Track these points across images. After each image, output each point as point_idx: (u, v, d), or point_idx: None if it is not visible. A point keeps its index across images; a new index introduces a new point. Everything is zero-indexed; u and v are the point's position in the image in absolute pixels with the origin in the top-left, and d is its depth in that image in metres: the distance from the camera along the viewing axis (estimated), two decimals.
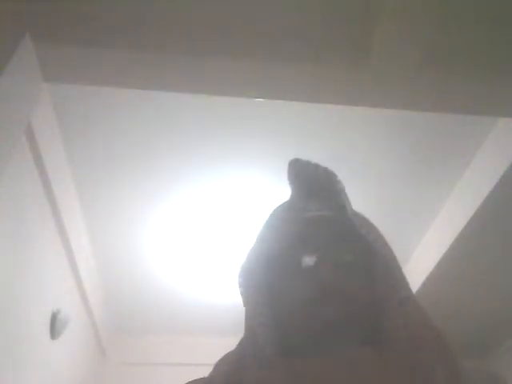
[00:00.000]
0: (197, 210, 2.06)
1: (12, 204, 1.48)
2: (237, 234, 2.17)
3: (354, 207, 0.77)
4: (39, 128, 1.50)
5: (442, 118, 1.63)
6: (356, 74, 1.30)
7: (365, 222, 0.75)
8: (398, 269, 0.71)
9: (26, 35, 1.18)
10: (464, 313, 2.26)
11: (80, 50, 1.24)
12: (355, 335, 0.66)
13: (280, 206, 0.80)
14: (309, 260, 0.70)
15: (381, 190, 1.97)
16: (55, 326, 1.93)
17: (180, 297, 2.60)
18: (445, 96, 1.38)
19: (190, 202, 2.03)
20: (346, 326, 0.66)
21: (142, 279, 2.46)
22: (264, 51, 1.26)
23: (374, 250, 0.70)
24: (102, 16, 1.22)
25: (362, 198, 1.90)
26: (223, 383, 0.67)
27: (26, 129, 1.39)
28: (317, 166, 0.76)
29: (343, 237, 0.71)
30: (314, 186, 0.76)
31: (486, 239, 1.93)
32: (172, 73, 1.31)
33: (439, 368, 0.62)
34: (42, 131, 1.53)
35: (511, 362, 2.44)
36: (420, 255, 2.21)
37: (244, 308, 0.72)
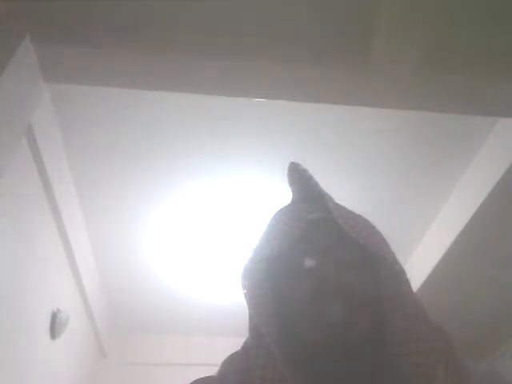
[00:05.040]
0: (197, 209, 2.07)
1: (12, 204, 1.48)
2: (237, 234, 2.17)
3: (352, 207, 0.78)
4: (39, 128, 1.50)
5: (442, 117, 1.63)
6: (356, 73, 1.30)
7: (359, 220, 0.75)
8: (398, 266, 0.70)
9: (26, 35, 1.18)
10: (464, 313, 2.26)
11: (80, 50, 1.24)
12: (361, 337, 0.65)
13: (282, 208, 0.82)
14: (311, 260, 0.70)
15: (381, 190, 1.97)
16: (55, 326, 1.93)
17: (180, 297, 2.60)
18: (445, 96, 1.38)
19: (189, 202, 2.03)
20: (352, 327, 0.65)
21: (142, 279, 2.46)
22: (264, 51, 1.26)
23: (372, 249, 0.70)
24: (102, 16, 1.23)
25: (362, 198, 1.92)
26: (233, 382, 0.68)
27: (26, 129, 1.39)
28: (311, 176, 0.80)
29: (344, 238, 0.71)
30: (311, 191, 0.80)
31: (485, 239, 1.93)
32: (172, 73, 1.31)
33: (442, 366, 0.62)
34: (42, 131, 1.53)
35: (511, 362, 2.44)
36: (420, 255, 2.21)
37: (247, 309, 0.72)
